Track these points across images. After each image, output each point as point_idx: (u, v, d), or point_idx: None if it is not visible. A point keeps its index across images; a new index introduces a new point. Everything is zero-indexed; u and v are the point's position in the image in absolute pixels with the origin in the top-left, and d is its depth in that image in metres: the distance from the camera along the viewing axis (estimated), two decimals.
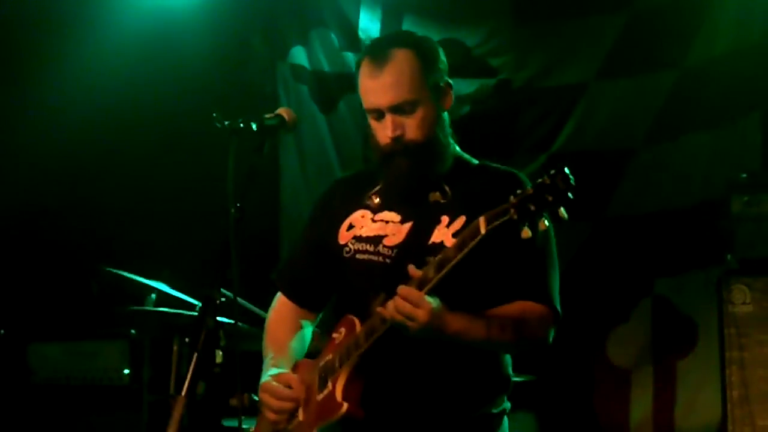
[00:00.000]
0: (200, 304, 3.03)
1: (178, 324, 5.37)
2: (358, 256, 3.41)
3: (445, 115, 3.42)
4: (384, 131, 3.34)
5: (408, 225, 3.37)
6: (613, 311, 6.52)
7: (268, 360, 3.56)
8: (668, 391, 6.38)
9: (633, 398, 6.49)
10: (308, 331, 3.67)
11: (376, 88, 3.32)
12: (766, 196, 5.87)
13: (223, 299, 3.02)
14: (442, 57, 3.43)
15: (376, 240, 3.39)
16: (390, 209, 3.43)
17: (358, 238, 3.43)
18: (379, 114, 3.34)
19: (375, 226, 3.43)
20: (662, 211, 6.44)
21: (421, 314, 3.05)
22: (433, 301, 3.07)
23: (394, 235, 3.38)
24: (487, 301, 3.26)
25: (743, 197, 5.84)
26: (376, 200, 3.48)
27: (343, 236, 3.47)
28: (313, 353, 3.58)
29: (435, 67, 3.39)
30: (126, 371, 6.27)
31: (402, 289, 3.08)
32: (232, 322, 3.12)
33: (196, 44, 6.78)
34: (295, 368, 3.50)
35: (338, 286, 3.52)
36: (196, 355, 2.94)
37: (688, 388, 6.33)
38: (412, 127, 3.32)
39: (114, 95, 6.69)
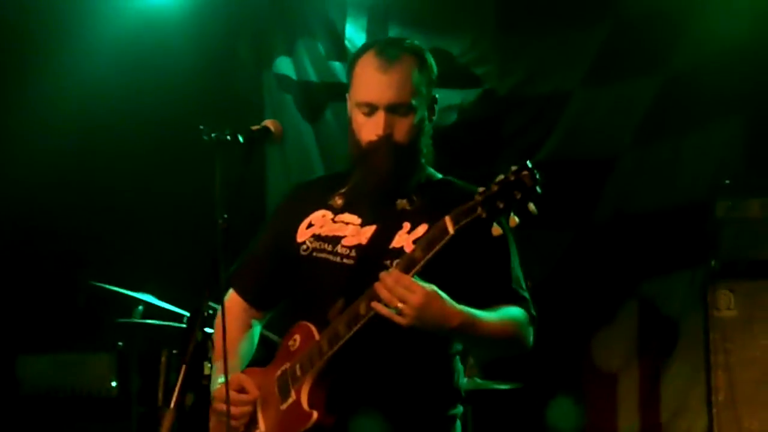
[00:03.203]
0: (188, 316, 3.03)
1: (166, 335, 5.37)
2: (315, 254, 3.38)
3: (429, 127, 3.42)
4: (374, 128, 3.32)
5: (368, 228, 3.35)
6: (599, 314, 6.55)
7: (216, 365, 3.47)
8: (653, 394, 6.41)
9: (619, 401, 6.51)
10: (257, 330, 3.63)
11: (380, 83, 3.31)
12: (750, 201, 5.92)
13: (211, 311, 3.03)
14: (435, 70, 3.45)
15: (335, 240, 3.37)
16: (351, 212, 3.41)
17: (317, 237, 3.40)
18: (372, 109, 3.32)
19: (334, 226, 3.40)
20: (647, 213, 6.47)
21: (414, 297, 3.00)
22: (428, 286, 3.03)
23: (353, 236, 3.35)
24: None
25: (727, 201, 5.89)
26: (339, 201, 3.45)
27: (302, 234, 3.44)
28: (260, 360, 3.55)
29: (431, 79, 3.41)
30: (114, 383, 6.25)
31: (391, 271, 3.05)
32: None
33: (181, 53, 6.77)
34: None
35: (293, 287, 3.48)
36: (184, 367, 2.94)
37: (674, 390, 6.35)
38: (401, 130, 3.32)
39: (98, 105, 6.69)
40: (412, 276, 3.03)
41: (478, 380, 5.75)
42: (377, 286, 3.06)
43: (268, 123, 3.33)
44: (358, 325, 3.12)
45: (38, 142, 6.67)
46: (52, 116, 6.65)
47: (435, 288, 3.05)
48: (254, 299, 3.60)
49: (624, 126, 6.57)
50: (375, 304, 3.07)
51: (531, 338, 3.33)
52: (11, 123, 6.69)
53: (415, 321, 3.03)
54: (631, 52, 6.53)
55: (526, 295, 3.33)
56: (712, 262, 5.86)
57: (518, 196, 2.88)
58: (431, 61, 3.44)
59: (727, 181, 5.94)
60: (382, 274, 3.06)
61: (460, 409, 3.44)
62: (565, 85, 6.66)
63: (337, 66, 6.94)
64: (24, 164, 6.67)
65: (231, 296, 3.62)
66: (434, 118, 3.45)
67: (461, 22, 6.81)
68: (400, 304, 3.02)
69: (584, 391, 6.60)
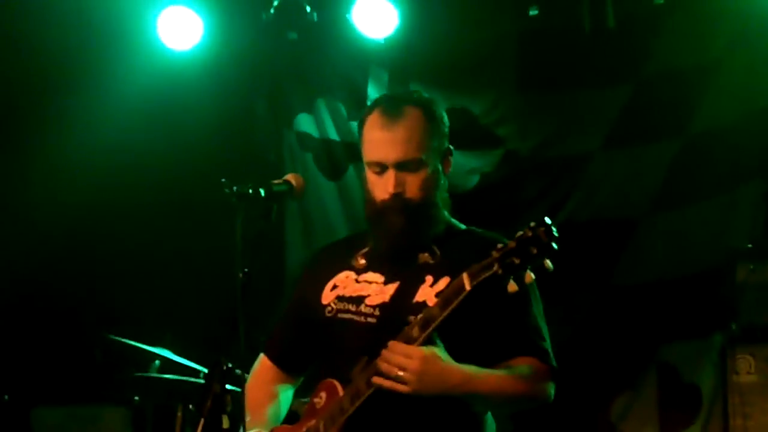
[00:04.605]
0: (206, 370, 3.02)
1: (182, 390, 5.35)
2: (339, 315, 3.38)
3: (444, 179, 3.41)
4: (385, 186, 3.32)
5: (391, 285, 3.35)
6: (619, 378, 6.50)
7: (245, 424, 3.48)
8: None
9: None
10: (287, 395, 3.63)
11: (386, 141, 3.31)
12: None
13: (230, 365, 3.01)
14: (447, 121, 3.44)
15: (358, 300, 3.37)
16: (374, 270, 3.41)
17: (341, 298, 3.40)
18: (382, 168, 3.33)
19: (358, 286, 3.40)
20: (667, 278, 6.44)
21: (413, 363, 3.04)
22: (425, 349, 3.06)
23: (377, 295, 3.35)
24: (481, 360, 3.22)
25: (748, 265, 5.86)
26: (362, 261, 3.45)
27: (327, 296, 3.44)
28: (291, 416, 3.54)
29: (441, 130, 3.40)
30: None
31: (390, 343, 3.09)
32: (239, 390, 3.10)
33: (201, 110, 6.81)
34: None
35: (320, 349, 3.48)
36: (202, 420, 2.93)
37: None
38: (413, 186, 3.32)
39: (118, 160, 6.72)
40: (430, 331, 3.04)
41: None
42: (378, 360, 3.09)
43: (290, 177, 3.33)
44: (370, 390, 3.13)
45: (56, 198, 6.70)
46: (70, 171, 6.68)
47: (433, 349, 3.07)
48: (284, 364, 3.62)
49: (644, 189, 6.56)
50: (376, 379, 3.10)
51: (550, 391, 3.30)
52: (31, 179, 6.72)
53: (417, 385, 3.05)
54: (652, 114, 6.54)
55: (546, 346, 3.30)
56: (733, 326, 5.82)
57: (534, 252, 2.90)
58: (441, 111, 3.43)
59: (749, 245, 5.92)
60: (383, 350, 3.09)
61: None
62: (586, 147, 6.67)
63: None
64: (42, 217, 6.70)
65: (262, 361, 3.64)
66: (450, 169, 3.44)
67: (483, 81, 6.83)
68: (400, 373, 3.05)
69: None
